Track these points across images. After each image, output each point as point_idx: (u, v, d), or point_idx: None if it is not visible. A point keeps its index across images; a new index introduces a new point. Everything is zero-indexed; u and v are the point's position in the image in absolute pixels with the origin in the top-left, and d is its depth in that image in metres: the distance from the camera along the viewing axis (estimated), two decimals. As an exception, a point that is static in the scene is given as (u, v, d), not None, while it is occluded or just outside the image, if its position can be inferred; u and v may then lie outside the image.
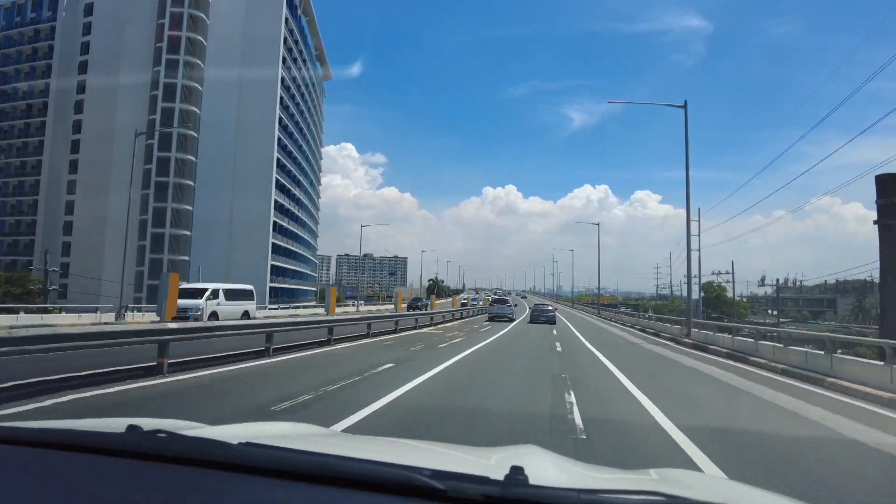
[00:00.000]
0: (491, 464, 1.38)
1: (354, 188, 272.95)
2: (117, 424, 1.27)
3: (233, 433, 1.44)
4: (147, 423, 1.26)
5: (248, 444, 1.09)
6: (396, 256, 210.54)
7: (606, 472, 1.62)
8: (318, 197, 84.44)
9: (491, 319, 29.89)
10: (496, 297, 46.35)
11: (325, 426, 3.14)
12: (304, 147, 69.30)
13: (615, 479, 1.51)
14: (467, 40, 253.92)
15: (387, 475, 0.96)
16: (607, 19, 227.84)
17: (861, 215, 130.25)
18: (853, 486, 4.10)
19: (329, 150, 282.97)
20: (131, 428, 1.18)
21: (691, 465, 4.23)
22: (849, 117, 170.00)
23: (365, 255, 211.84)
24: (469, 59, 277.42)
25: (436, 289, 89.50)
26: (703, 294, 67.30)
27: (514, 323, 28.41)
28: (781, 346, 12.75)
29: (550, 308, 32.53)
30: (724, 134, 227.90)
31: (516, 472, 0.95)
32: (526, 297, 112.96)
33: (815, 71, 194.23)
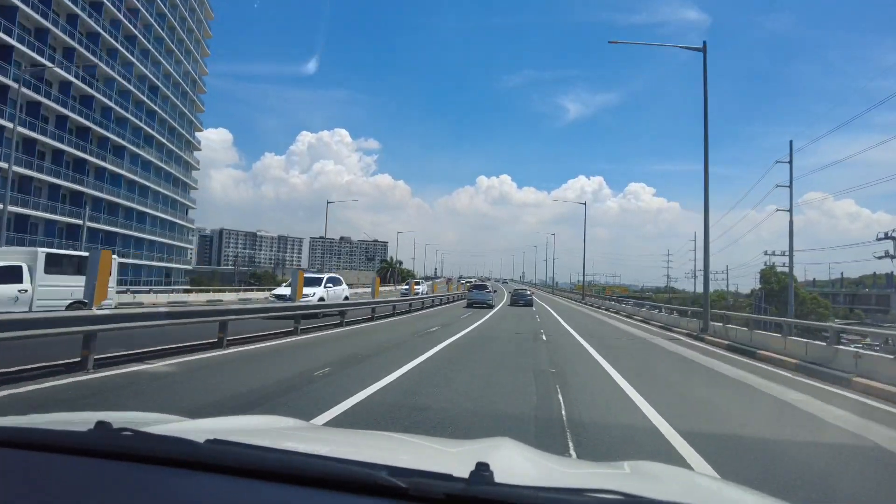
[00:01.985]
0: (459, 458, 1.38)
1: (347, 174, 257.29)
2: (84, 419, 1.21)
3: (207, 427, 1.49)
4: (117, 418, 1.22)
5: (215, 441, 1.06)
6: (376, 240, 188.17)
7: (576, 467, 1.78)
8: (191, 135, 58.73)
9: (469, 306, 28.58)
10: (475, 283, 41.71)
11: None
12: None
13: (583, 474, 1.51)
14: (463, 27, 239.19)
15: (348, 474, 0.94)
16: (605, 9, 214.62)
17: (853, 212, 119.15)
18: None
19: (322, 136, 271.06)
20: (99, 425, 1.12)
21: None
22: (841, 114, 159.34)
23: (341, 238, 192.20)
24: (464, 45, 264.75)
25: (388, 273, 68.09)
26: (761, 285, 51.17)
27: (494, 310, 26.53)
28: None
29: (528, 292, 37.21)
30: (720, 127, 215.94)
31: (481, 468, 0.93)
32: (507, 283, 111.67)
33: (812, 66, 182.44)
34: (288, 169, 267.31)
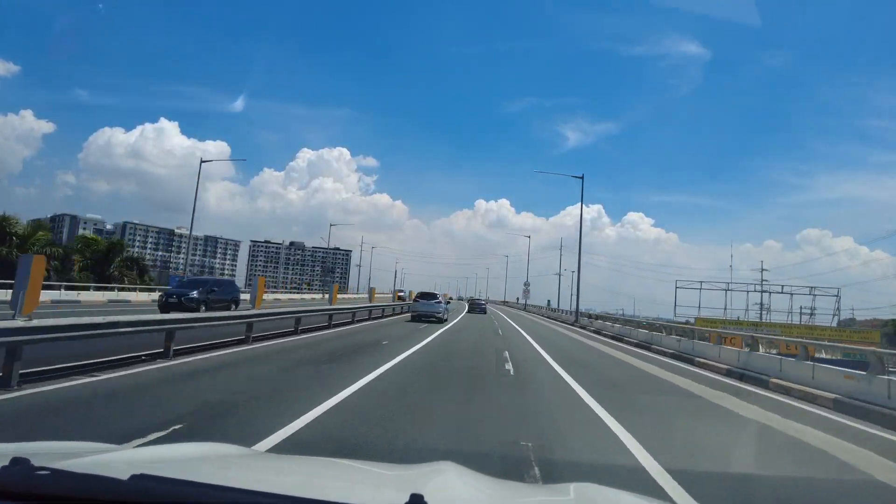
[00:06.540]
0: (395, 487, 1.39)
1: (345, 191, 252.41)
2: (2, 452, 1.14)
3: (137, 458, 1.44)
4: (41, 449, 1.20)
5: (141, 476, 1.04)
6: (338, 248, 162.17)
7: (519, 493, 1.66)
8: None
9: (414, 319, 26.95)
10: (422, 292, 38.44)
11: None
12: None
13: (523, 501, 1.50)
14: (466, 52, 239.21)
15: None
16: (608, 39, 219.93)
17: (851, 249, 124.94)
18: None
19: (322, 153, 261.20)
20: (15, 461, 1.05)
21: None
22: (836, 153, 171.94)
23: (291, 244, 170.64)
24: (467, 70, 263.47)
25: (125, 265, 35.81)
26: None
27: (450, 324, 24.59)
28: None
29: (483, 302, 48.70)
30: (718, 160, 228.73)
31: (415, 500, 0.92)
32: (473, 300, 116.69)
33: (807, 103, 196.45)
34: (286, 185, 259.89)
